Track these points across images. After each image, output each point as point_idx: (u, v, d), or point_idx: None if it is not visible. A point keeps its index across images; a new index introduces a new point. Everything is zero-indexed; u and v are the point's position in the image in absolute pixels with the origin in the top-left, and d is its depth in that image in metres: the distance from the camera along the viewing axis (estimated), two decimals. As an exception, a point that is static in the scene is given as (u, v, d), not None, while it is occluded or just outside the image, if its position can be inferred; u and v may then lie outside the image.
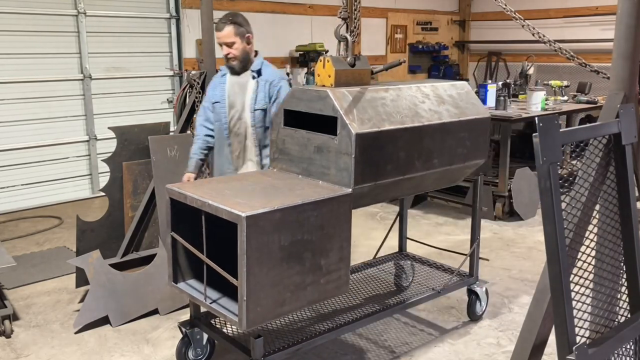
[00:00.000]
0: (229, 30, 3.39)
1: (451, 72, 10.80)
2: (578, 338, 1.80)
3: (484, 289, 3.78)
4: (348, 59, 2.96)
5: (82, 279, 3.88)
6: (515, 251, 5.09)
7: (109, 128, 4.23)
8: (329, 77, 2.90)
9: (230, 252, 2.43)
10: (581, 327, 1.84)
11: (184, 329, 3.13)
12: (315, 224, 2.56)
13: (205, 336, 3.15)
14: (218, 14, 3.76)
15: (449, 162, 3.15)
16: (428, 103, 3.09)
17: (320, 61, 2.95)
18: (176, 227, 2.81)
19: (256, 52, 3.58)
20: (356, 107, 2.78)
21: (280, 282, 2.49)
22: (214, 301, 2.69)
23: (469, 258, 3.66)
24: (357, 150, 2.66)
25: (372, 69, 3.09)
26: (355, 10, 2.99)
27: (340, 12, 2.93)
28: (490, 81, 7.41)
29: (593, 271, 2.03)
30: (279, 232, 2.44)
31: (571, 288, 1.79)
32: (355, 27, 3.01)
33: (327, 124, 2.77)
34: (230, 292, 2.53)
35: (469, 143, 3.23)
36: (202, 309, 3.09)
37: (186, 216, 2.75)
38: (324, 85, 2.92)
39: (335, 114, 2.72)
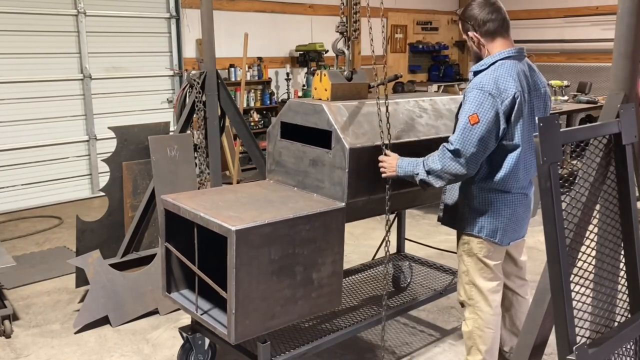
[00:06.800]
0: (460, 28, 2.79)
1: (451, 72, 10.80)
2: (578, 338, 1.80)
3: (484, 289, 3.78)
4: (345, 72, 2.97)
5: (82, 279, 3.88)
6: (516, 251, 5.08)
7: (108, 128, 4.22)
8: (326, 90, 2.92)
9: (225, 262, 2.43)
10: (581, 327, 1.84)
11: (185, 334, 3.09)
12: (307, 237, 2.56)
13: (207, 341, 3.13)
14: (218, 14, 3.75)
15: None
16: (425, 117, 3.09)
17: (317, 75, 2.97)
18: (170, 237, 2.82)
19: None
20: (352, 121, 2.79)
21: (270, 295, 2.49)
22: (205, 312, 2.69)
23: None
24: (351, 164, 2.67)
25: (369, 83, 3.08)
26: (355, 12, 2.99)
27: (338, 27, 2.94)
28: (490, 81, 7.40)
29: (593, 271, 2.03)
30: (270, 246, 2.44)
31: (571, 288, 1.79)
32: (354, 30, 3.01)
33: (324, 136, 2.78)
34: (222, 303, 2.53)
35: None
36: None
37: (181, 226, 2.76)
38: (320, 99, 2.94)
39: (330, 128, 2.73)
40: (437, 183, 2.58)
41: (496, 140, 2.52)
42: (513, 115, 2.51)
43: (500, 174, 2.61)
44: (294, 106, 2.96)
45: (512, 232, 2.75)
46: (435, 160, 2.55)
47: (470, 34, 2.67)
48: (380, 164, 2.73)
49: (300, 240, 2.54)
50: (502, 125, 2.50)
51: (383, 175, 2.72)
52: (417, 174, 2.60)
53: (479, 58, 2.70)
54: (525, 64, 2.68)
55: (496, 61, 2.59)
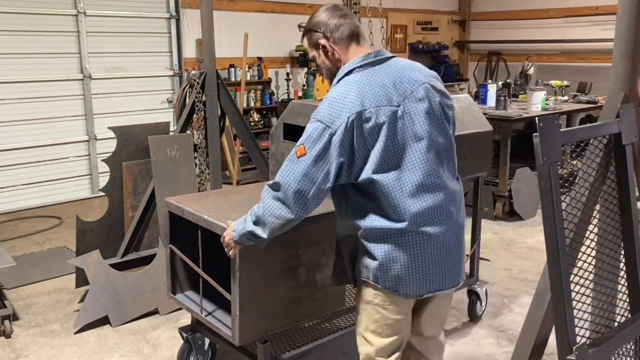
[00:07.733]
0: (305, 43, 2.31)
1: (451, 72, 10.80)
2: (578, 338, 1.80)
3: (484, 289, 3.78)
4: None
5: (82, 279, 3.88)
6: (516, 251, 5.08)
7: (108, 128, 4.22)
8: (327, 91, 2.91)
9: (229, 263, 2.44)
10: (581, 327, 1.84)
11: (185, 334, 3.09)
12: (309, 239, 2.56)
13: (207, 341, 3.14)
14: (218, 14, 3.74)
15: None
16: None
17: (319, 76, 2.95)
18: (175, 239, 2.82)
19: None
20: None
21: (274, 297, 2.49)
22: (210, 313, 2.70)
23: (469, 258, 3.66)
24: None
25: None
26: (355, 12, 2.99)
27: None
28: (490, 81, 7.42)
29: (593, 271, 2.03)
30: (273, 248, 2.42)
31: (571, 288, 1.79)
32: None
33: None
34: (226, 303, 2.54)
35: (470, 156, 3.21)
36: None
37: (185, 227, 2.76)
38: None
39: None
40: (264, 233, 2.06)
41: (334, 176, 1.99)
42: (365, 139, 1.98)
43: (386, 211, 2.04)
44: (297, 107, 2.96)
45: (425, 281, 2.11)
46: (260, 204, 2.08)
47: (323, 42, 2.16)
48: (224, 245, 2.28)
49: (303, 241, 2.54)
50: (340, 159, 1.98)
51: (230, 253, 2.28)
52: (246, 228, 2.11)
53: (334, 75, 2.22)
54: (395, 66, 2.12)
55: (341, 79, 2.14)
